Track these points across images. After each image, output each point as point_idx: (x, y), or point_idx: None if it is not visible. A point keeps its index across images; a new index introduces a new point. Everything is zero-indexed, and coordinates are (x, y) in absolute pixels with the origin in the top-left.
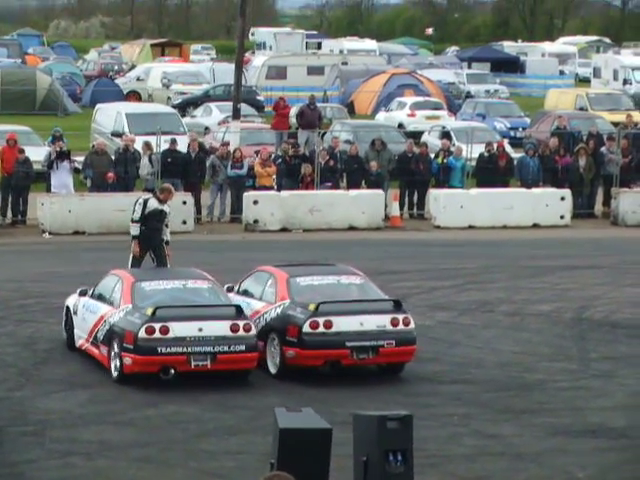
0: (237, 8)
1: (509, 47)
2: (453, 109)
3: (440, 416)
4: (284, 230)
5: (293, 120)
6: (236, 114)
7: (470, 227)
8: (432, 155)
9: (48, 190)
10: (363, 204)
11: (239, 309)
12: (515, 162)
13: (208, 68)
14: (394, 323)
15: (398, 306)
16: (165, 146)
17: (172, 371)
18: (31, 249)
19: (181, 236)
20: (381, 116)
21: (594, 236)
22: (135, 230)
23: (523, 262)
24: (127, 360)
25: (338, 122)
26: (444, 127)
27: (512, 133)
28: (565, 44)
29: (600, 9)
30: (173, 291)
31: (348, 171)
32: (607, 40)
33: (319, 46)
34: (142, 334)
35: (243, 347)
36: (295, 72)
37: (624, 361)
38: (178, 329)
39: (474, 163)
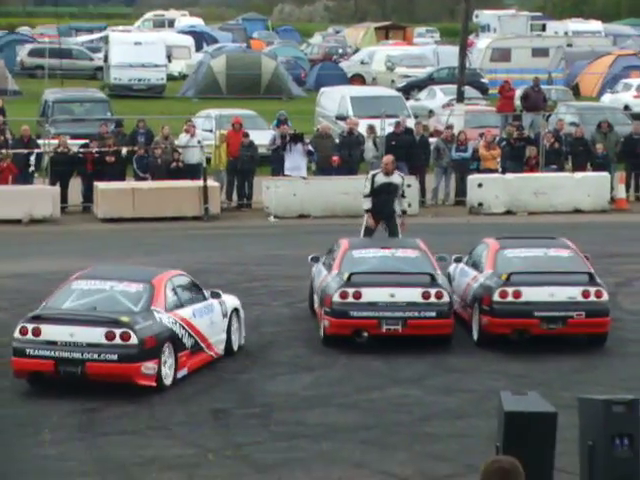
0: None
1: None
2: None
3: None
4: (509, 213)
5: (518, 102)
6: (460, 97)
7: None
8: None
9: (274, 173)
10: (588, 187)
11: (433, 277)
12: None
13: (432, 51)
14: (585, 295)
15: (592, 279)
16: (389, 129)
17: (365, 334)
18: (256, 232)
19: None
20: (607, 98)
21: None
22: (367, 204)
23: None
24: (325, 323)
25: (563, 104)
26: None
27: None
28: None
29: None
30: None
31: (573, 153)
32: None
33: (543, 28)
34: (336, 298)
35: (434, 313)
36: (519, 54)
37: None
38: (371, 294)
39: None
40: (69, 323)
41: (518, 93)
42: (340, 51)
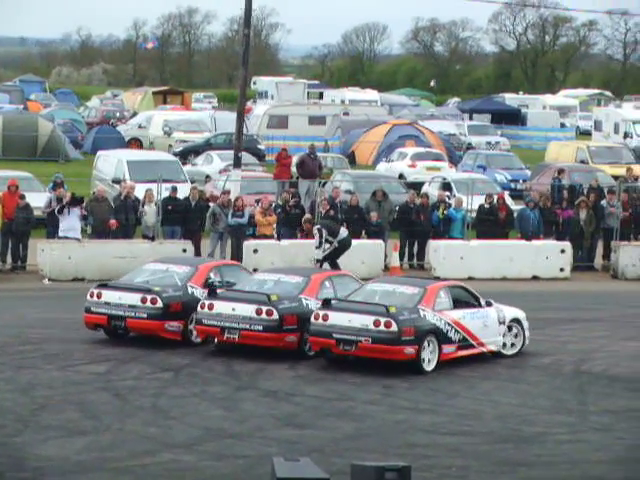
0: (239, 57)
1: (510, 99)
2: (454, 160)
3: (438, 467)
4: None
5: (294, 169)
6: (237, 163)
7: (470, 278)
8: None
9: (49, 236)
10: (363, 254)
11: (269, 297)
12: (515, 214)
13: (209, 116)
14: (376, 324)
15: (387, 311)
16: (166, 194)
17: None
18: (31, 295)
19: None
20: (382, 167)
21: (594, 289)
22: None
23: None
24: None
25: (339, 172)
26: (445, 178)
27: (512, 185)
28: (566, 97)
29: (601, 62)
30: None
31: (348, 221)
32: (608, 93)
33: (320, 96)
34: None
35: (260, 327)
36: (296, 121)
37: (623, 415)
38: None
39: (474, 215)
40: (119, 290)
41: (294, 160)
42: (118, 115)
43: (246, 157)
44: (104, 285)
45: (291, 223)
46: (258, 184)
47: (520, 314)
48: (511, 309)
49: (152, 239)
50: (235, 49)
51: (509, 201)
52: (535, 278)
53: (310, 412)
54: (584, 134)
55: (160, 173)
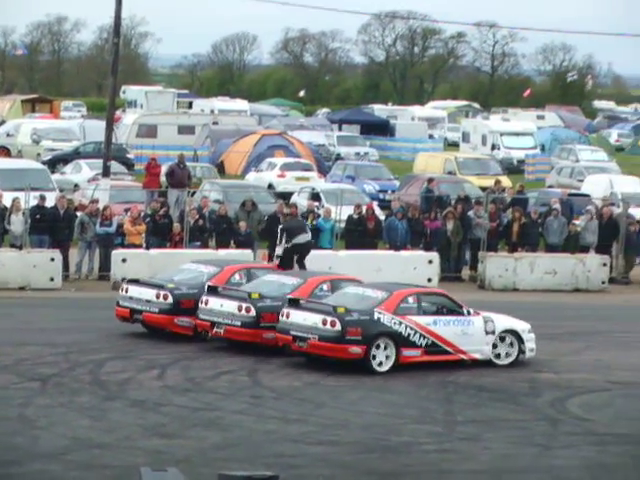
0: (109, 66)
1: (379, 110)
2: (323, 171)
3: (306, 477)
4: None
5: (163, 179)
6: (106, 172)
7: None
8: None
9: None
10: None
11: (249, 295)
12: (384, 224)
13: (78, 125)
14: (323, 322)
15: (335, 311)
16: (34, 203)
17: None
18: None
19: (49, 293)
20: (251, 176)
21: (461, 299)
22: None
23: None
24: None
25: (208, 182)
26: (314, 188)
27: (381, 196)
28: (435, 108)
29: (469, 74)
30: None
31: (217, 231)
32: (476, 105)
33: (190, 105)
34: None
35: (239, 323)
36: (166, 131)
37: (489, 424)
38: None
39: (343, 225)
40: (143, 285)
41: (164, 169)
42: None
43: (115, 166)
44: (134, 281)
45: (160, 232)
46: (127, 193)
47: (519, 325)
48: (507, 320)
49: (20, 248)
50: (105, 58)
51: (378, 211)
52: None
53: (178, 422)
54: (452, 145)
55: (28, 182)
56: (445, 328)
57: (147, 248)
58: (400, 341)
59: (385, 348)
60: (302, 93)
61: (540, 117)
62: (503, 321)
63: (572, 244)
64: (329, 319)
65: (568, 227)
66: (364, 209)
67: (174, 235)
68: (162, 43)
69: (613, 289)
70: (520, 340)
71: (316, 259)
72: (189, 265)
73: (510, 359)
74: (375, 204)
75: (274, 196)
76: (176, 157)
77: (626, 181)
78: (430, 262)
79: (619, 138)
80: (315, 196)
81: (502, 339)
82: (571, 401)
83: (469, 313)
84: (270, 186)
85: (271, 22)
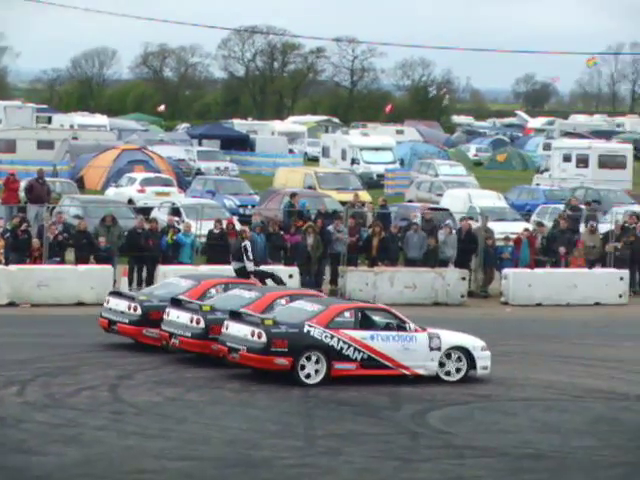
0: None
1: (239, 125)
2: (183, 186)
3: None
4: (11, 305)
5: (22, 194)
6: None
7: None
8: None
9: None
10: (92, 279)
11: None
12: None
13: None
14: (252, 334)
15: (262, 323)
16: None
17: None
18: None
19: None
20: (111, 191)
21: None
22: None
23: None
24: None
25: (67, 197)
26: (174, 203)
27: (241, 210)
28: (294, 123)
29: (329, 89)
30: None
31: (77, 246)
32: (336, 120)
33: (49, 120)
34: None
35: (189, 334)
36: (24, 146)
37: (350, 438)
38: None
39: (204, 240)
40: (119, 297)
41: (23, 185)
42: None
43: None
44: (112, 293)
45: (20, 248)
46: None
47: (470, 342)
48: (455, 336)
49: None
50: None
51: (238, 226)
52: None
53: (38, 438)
54: (312, 160)
55: None
56: (384, 343)
57: (6, 264)
58: (332, 354)
59: (316, 361)
60: (162, 108)
61: (399, 132)
62: (450, 338)
63: (432, 258)
64: (256, 331)
65: (427, 241)
66: (224, 224)
67: (33, 251)
68: (21, 57)
69: (472, 303)
70: (470, 357)
71: (176, 274)
72: (173, 279)
73: (461, 374)
74: (235, 219)
75: (134, 211)
76: (35, 172)
77: (484, 195)
78: (290, 276)
79: (477, 153)
80: (175, 211)
81: (448, 356)
82: (431, 414)
83: (412, 329)
84: (130, 201)
85: (131, 37)
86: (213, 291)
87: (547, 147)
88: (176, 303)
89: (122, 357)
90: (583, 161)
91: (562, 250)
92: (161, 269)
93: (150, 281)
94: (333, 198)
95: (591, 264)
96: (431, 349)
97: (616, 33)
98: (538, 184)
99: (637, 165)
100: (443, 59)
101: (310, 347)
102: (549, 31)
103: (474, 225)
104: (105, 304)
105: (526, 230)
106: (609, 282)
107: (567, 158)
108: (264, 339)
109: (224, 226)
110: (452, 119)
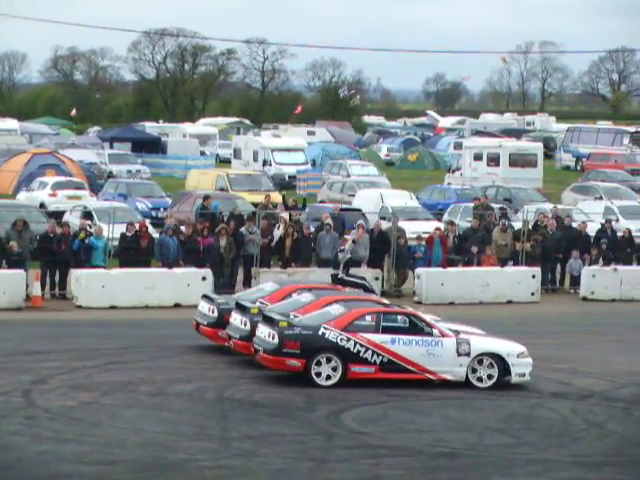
0: None
1: (150, 128)
2: (95, 189)
3: None
4: None
5: None
6: None
7: (112, 307)
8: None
9: None
10: (4, 284)
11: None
12: (156, 242)
13: None
14: None
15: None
16: None
17: None
18: None
19: None
20: (22, 196)
21: None
22: None
23: (163, 342)
24: None
25: None
26: (86, 207)
27: (154, 213)
28: (206, 125)
29: (240, 91)
30: None
31: None
32: (247, 121)
33: None
34: None
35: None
36: None
37: (265, 440)
38: None
39: (116, 243)
40: (204, 300)
41: None
42: None
43: None
44: (204, 296)
45: None
46: None
47: (505, 349)
48: (488, 342)
49: None
50: None
51: (151, 229)
52: (177, 306)
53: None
54: (224, 162)
55: None
56: (406, 347)
57: None
58: (348, 357)
59: (326, 362)
60: (73, 111)
61: (311, 133)
62: (482, 344)
63: None
64: (271, 332)
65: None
66: (137, 227)
67: None
68: None
69: None
70: (503, 363)
71: (89, 278)
72: (266, 284)
73: (492, 381)
74: (148, 222)
75: (46, 215)
76: None
77: (396, 195)
78: (204, 279)
79: (389, 153)
80: (87, 214)
81: (480, 362)
82: (346, 414)
83: (438, 334)
84: (42, 205)
85: (40, 40)
86: (295, 296)
87: (458, 146)
88: (239, 308)
89: (36, 362)
90: (494, 160)
91: (474, 249)
92: (73, 273)
93: (63, 285)
94: (245, 199)
95: (503, 262)
96: (459, 354)
97: (526, 33)
98: (450, 183)
99: (547, 163)
100: (354, 60)
101: (324, 349)
102: (459, 32)
103: (386, 225)
104: (198, 307)
105: (438, 229)
106: (521, 280)
107: (478, 157)
108: (276, 340)
109: (137, 229)
110: (363, 119)
